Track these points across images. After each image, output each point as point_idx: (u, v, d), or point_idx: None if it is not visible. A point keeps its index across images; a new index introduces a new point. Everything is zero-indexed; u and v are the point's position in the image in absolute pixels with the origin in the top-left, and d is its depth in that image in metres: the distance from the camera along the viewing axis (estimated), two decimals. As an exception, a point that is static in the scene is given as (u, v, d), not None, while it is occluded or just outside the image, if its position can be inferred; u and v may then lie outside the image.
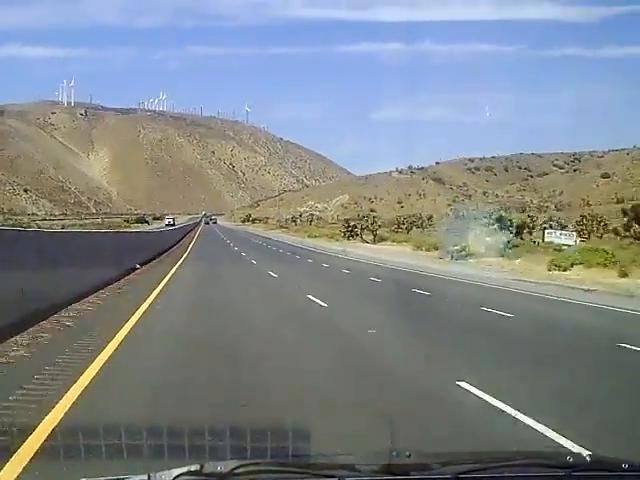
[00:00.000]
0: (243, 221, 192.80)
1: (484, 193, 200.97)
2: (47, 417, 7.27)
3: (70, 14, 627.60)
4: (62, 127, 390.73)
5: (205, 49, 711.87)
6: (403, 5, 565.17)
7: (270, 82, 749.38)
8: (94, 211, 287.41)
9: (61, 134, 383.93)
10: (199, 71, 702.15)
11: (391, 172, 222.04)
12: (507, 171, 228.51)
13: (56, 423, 7.04)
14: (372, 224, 79.47)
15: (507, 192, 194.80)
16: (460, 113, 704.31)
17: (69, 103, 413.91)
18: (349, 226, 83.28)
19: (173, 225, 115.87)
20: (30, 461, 5.56)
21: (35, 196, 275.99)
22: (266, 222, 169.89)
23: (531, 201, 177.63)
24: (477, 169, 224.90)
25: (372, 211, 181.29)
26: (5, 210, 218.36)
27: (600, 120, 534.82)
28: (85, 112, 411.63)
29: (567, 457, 2.77)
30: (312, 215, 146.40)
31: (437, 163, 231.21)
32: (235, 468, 2.52)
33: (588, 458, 2.78)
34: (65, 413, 7.59)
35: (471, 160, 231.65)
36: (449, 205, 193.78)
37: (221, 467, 2.54)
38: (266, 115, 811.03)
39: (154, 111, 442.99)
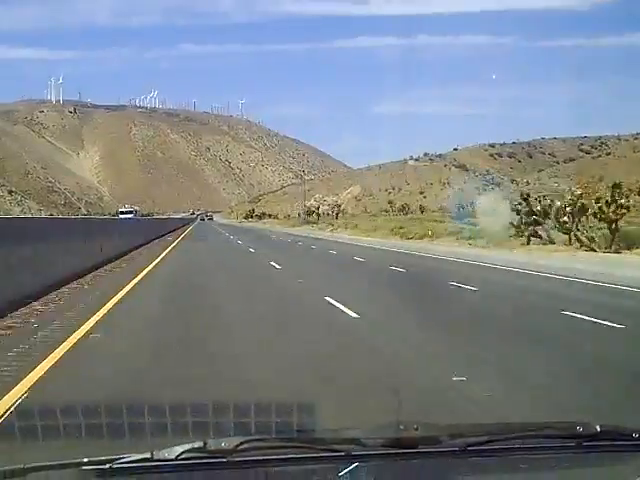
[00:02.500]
0: (246, 217, 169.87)
1: (512, 181, 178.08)
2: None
3: (59, 15, 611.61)
4: (50, 126, 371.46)
5: (197, 47, 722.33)
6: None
7: (265, 79, 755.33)
8: (85, 212, 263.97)
9: (50, 133, 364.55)
10: (192, 70, 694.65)
11: (406, 160, 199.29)
12: (531, 157, 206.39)
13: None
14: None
15: (538, 179, 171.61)
16: (457, 105, 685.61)
17: (58, 101, 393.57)
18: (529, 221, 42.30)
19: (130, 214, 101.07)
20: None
21: (21, 197, 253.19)
22: (276, 218, 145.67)
23: (569, 188, 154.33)
24: (499, 155, 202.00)
25: (390, 203, 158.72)
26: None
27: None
28: (74, 110, 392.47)
29: (577, 427, 2.71)
30: (337, 207, 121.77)
31: (455, 149, 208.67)
32: (239, 444, 2.48)
33: (598, 428, 2.67)
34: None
35: (492, 146, 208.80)
36: (479, 194, 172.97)
37: (225, 443, 2.49)
38: (261, 112, 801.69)
39: (146, 107, 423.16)
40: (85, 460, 2.43)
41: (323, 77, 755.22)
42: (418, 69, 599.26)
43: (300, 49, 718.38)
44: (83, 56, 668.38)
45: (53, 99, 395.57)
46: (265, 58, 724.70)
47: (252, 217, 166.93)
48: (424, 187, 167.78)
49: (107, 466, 2.41)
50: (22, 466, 2.39)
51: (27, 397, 7.54)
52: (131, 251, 37.47)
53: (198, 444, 2.49)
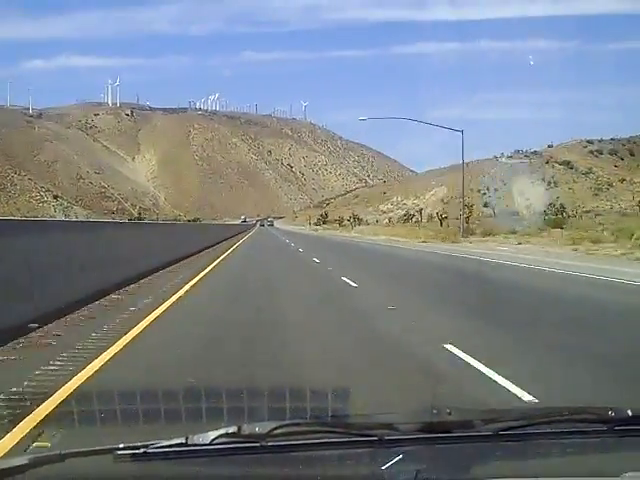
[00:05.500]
0: (317, 223, 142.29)
1: (622, 180, 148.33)
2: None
3: (121, 24, 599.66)
4: (106, 129, 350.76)
5: (260, 55, 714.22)
6: (457, 4, 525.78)
7: (326, 85, 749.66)
8: (136, 217, 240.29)
9: (105, 137, 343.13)
10: (254, 76, 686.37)
11: (497, 157, 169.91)
12: (632, 155, 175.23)
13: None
14: None
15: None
16: (517, 111, 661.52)
17: (114, 104, 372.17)
18: None
19: None
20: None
21: (67, 203, 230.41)
22: (368, 224, 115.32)
23: None
24: (600, 152, 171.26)
25: (486, 205, 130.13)
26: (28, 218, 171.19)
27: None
28: (131, 112, 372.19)
29: (609, 412, 2.70)
30: (442, 211, 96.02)
31: (549, 146, 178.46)
32: (274, 429, 2.46)
33: (630, 412, 2.66)
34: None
35: (589, 142, 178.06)
36: (595, 194, 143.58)
37: (259, 428, 2.47)
38: (323, 117, 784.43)
39: (206, 110, 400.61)
40: (121, 446, 2.42)
41: (384, 83, 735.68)
42: (478, 74, 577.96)
43: (361, 55, 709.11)
44: (143, 63, 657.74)
45: (110, 102, 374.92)
46: (327, 65, 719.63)
47: (324, 223, 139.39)
48: (525, 187, 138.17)
49: (142, 451, 2.40)
50: (59, 452, 2.37)
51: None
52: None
53: (232, 429, 2.46)
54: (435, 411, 2.62)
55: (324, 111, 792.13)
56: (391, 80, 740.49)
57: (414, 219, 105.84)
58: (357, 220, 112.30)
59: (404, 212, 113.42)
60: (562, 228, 54.89)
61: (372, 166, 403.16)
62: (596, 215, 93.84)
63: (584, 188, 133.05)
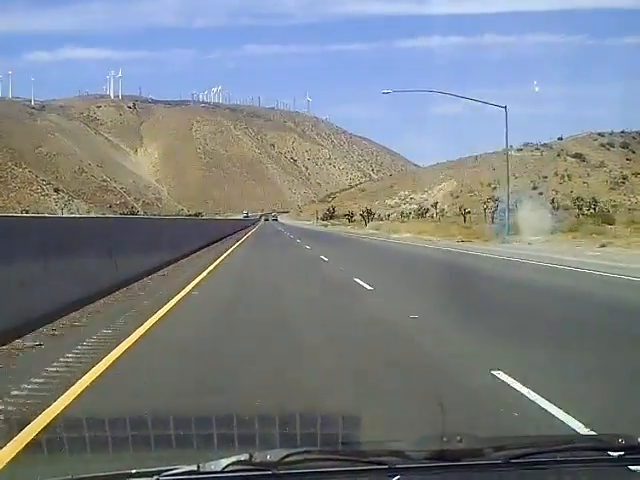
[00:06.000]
0: (324, 218, 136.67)
1: (635, 174, 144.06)
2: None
3: (122, 17, 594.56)
4: (108, 122, 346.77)
5: (262, 47, 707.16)
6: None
7: (328, 79, 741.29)
8: (141, 213, 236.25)
9: (107, 129, 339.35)
10: (256, 69, 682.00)
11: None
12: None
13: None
14: None
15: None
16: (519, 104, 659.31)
17: (116, 96, 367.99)
18: None
19: None
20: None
21: (68, 196, 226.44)
22: (380, 219, 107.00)
23: None
24: (611, 145, 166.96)
25: (496, 199, 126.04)
26: (30, 212, 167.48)
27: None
28: (133, 105, 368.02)
29: (619, 439, 2.68)
30: (465, 208, 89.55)
31: (559, 139, 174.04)
32: (285, 457, 2.46)
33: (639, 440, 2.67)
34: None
35: (600, 134, 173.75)
36: (612, 188, 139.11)
37: (270, 456, 2.48)
38: (326, 111, 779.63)
39: (208, 103, 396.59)
40: (133, 472, 2.43)
41: (388, 77, 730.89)
42: (479, 68, 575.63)
43: (363, 49, 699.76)
44: (145, 56, 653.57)
45: (111, 94, 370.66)
46: (328, 58, 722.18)
47: (332, 218, 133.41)
48: (537, 181, 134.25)
49: (154, 478, 2.41)
50: (70, 477, 2.37)
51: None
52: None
53: (244, 457, 2.48)
54: (445, 438, 2.59)
55: (327, 105, 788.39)
56: (394, 74, 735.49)
57: (428, 214, 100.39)
58: (370, 215, 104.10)
59: (417, 206, 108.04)
60: (610, 225, 49.15)
61: (376, 160, 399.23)
62: (630, 210, 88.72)
63: (598, 182, 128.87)
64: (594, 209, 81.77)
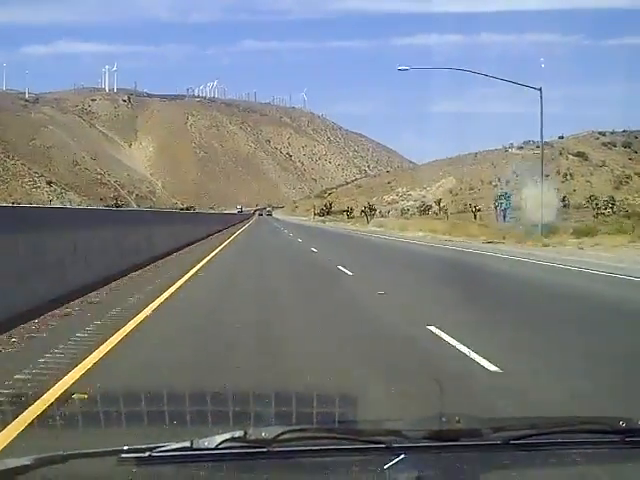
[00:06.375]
0: (321, 214, 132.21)
1: (638, 174, 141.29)
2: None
3: (119, 11, 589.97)
4: (103, 115, 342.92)
5: (259, 43, 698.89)
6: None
7: (326, 76, 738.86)
8: (135, 206, 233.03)
9: (101, 122, 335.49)
10: (253, 65, 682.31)
11: (506, 148, 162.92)
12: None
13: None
14: None
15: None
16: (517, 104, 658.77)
17: (111, 90, 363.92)
18: None
19: None
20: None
21: (60, 189, 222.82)
22: (382, 216, 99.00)
23: None
24: (612, 144, 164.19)
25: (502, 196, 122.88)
26: (21, 204, 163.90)
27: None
28: (128, 98, 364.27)
29: (620, 422, 2.67)
30: (474, 205, 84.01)
31: (560, 137, 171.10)
32: (280, 434, 2.44)
33: None
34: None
35: (601, 134, 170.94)
36: (616, 188, 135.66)
37: (265, 433, 2.45)
38: (322, 107, 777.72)
39: (204, 97, 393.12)
40: (125, 448, 2.40)
41: (384, 75, 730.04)
42: (477, 67, 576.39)
43: (361, 46, 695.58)
44: (142, 51, 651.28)
45: (107, 88, 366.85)
46: (326, 55, 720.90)
47: (328, 214, 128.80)
48: (539, 179, 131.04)
49: (146, 454, 2.39)
50: (62, 453, 2.34)
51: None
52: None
53: (238, 433, 2.44)
54: (444, 419, 2.57)
55: (323, 101, 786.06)
56: (391, 71, 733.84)
57: (431, 210, 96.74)
58: (372, 211, 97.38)
59: (415, 203, 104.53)
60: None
61: (372, 157, 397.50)
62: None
63: (601, 181, 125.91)
64: (612, 208, 77.60)
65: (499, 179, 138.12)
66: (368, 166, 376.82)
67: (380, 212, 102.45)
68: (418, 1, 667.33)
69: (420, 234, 55.35)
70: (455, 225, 59.85)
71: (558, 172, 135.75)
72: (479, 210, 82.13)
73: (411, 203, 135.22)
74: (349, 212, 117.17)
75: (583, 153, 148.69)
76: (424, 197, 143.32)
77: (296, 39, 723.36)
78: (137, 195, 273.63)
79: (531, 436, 2.59)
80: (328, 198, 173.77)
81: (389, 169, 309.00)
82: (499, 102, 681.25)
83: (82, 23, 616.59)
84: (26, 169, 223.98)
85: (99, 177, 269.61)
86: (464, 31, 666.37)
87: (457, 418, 2.57)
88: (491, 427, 2.59)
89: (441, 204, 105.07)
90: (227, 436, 2.40)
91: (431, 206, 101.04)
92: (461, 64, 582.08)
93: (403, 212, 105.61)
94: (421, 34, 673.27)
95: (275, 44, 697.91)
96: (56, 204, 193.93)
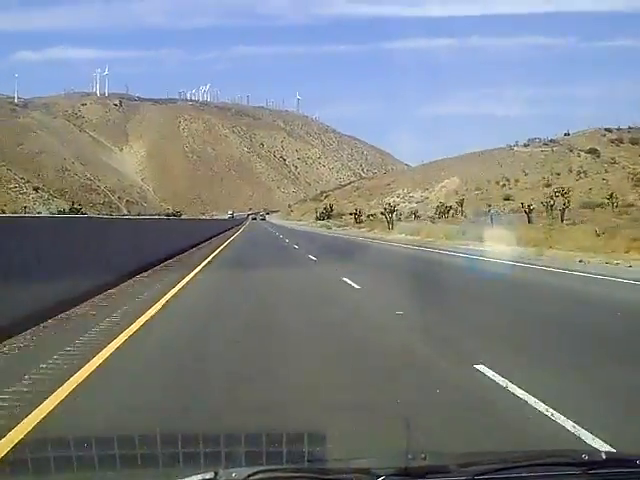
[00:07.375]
0: (321, 217, 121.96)
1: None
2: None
3: (112, 15, 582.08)
4: (93, 120, 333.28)
5: (251, 48, 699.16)
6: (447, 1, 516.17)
7: (319, 80, 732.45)
8: (125, 212, 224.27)
9: (92, 127, 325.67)
10: (246, 69, 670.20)
11: (511, 147, 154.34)
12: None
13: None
14: None
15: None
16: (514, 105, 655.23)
17: (102, 94, 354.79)
18: None
19: None
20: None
21: (48, 195, 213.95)
22: (400, 219, 79.74)
23: None
24: (620, 141, 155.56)
25: (508, 199, 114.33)
26: (6, 212, 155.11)
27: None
28: (120, 102, 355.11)
29: (583, 455, 2.73)
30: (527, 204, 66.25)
31: (566, 134, 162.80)
32: (250, 475, 2.46)
33: (604, 455, 2.73)
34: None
35: (608, 130, 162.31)
36: (636, 185, 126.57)
37: (235, 474, 2.47)
38: (316, 112, 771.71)
39: (196, 101, 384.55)
40: None
41: (377, 78, 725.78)
42: (470, 70, 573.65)
43: (354, 50, 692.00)
44: (133, 56, 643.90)
45: (98, 92, 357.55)
46: (320, 59, 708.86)
47: (329, 217, 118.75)
48: (550, 178, 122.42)
49: None
50: None
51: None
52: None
53: (209, 475, 2.45)
54: (410, 455, 2.59)
55: (317, 104, 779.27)
56: (383, 76, 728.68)
57: (450, 212, 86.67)
58: (391, 213, 79.74)
59: (436, 205, 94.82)
60: None
61: (366, 160, 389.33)
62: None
63: (617, 179, 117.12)
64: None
65: (507, 179, 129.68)
66: (362, 169, 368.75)
67: (398, 215, 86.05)
68: (408, 5, 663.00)
69: (504, 247, 34.90)
70: (550, 233, 40.22)
71: (570, 170, 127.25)
72: (532, 210, 66.02)
73: (414, 205, 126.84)
74: (357, 215, 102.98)
75: (595, 150, 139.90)
76: (427, 198, 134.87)
77: (289, 43, 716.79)
78: (128, 201, 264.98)
79: (497, 470, 2.56)
80: (325, 201, 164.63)
81: (384, 172, 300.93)
82: (497, 104, 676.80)
83: (74, 28, 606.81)
84: (12, 174, 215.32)
85: (89, 183, 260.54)
86: (452, 35, 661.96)
87: (423, 455, 2.58)
88: (457, 463, 2.58)
89: (462, 205, 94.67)
90: (198, 477, 2.40)
91: (450, 207, 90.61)
92: (450, 67, 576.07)
93: (415, 215, 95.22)
94: (411, 38, 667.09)
95: (268, 48, 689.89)
96: (42, 211, 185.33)
